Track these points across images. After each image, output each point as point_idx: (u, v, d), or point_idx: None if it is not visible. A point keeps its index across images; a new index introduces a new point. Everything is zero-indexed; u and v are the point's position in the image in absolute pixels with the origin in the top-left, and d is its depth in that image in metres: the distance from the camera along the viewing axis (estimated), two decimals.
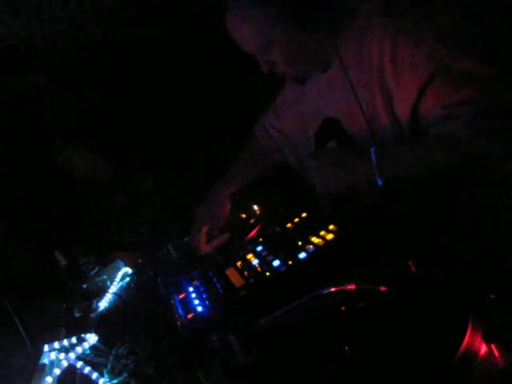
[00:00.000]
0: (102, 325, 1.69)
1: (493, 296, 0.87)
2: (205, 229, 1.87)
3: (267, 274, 1.34)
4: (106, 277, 2.15)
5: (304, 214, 1.60)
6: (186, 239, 1.99)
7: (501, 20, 1.69)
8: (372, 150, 1.40)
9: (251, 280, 1.34)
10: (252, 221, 1.91)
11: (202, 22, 3.03)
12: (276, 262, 1.36)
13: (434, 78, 1.35)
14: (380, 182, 1.38)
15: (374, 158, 1.38)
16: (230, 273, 1.46)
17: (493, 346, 0.78)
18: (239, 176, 2.06)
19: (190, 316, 1.32)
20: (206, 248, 1.83)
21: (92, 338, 1.53)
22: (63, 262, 2.22)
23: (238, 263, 1.48)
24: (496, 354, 0.77)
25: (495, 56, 1.36)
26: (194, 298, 1.41)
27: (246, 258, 1.50)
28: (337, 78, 1.62)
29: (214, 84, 3.15)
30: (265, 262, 1.40)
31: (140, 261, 2.20)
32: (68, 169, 2.64)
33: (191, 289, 1.49)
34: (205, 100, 3.15)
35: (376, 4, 1.54)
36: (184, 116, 3.07)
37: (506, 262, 0.96)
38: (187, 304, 1.40)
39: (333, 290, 1.10)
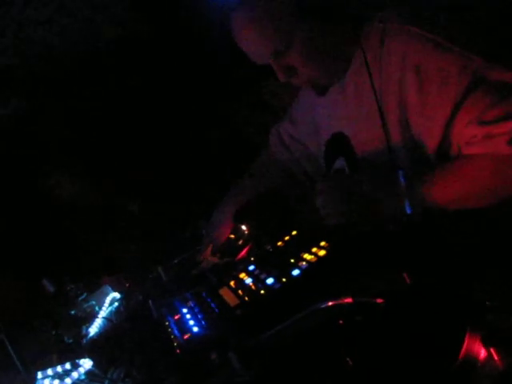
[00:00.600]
0: (94, 350, 1.68)
1: (488, 303, 0.89)
2: (210, 247, 1.91)
3: (262, 291, 1.35)
4: (94, 302, 2.14)
5: (294, 232, 1.62)
6: (175, 261, 2.00)
7: None
8: (400, 172, 1.28)
9: (246, 298, 1.35)
10: (241, 242, 1.93)
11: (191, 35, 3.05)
12: (270, 280, 1.37)
13: (469, 93, 1.23)
14: (408, 211, 1.26)
15: (402, 180, 1.27)
16: (224, 292, 1.46)
17: (492, 350, 0.80)
18: (247, 190, 2.02)
19: (186, 337, 1.33)
20: (213, 259, 1.86)
21: (86, 363, 1.52)
22: (51, 289, 2.20)
23: (231, 283, 1.49)
24: (495, 357, 0.80)
25: None
26: (189, 319, 1.41)
27: (238, 277, 1.51)
28: (350, 89, 1.51)
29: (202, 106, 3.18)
30: (258, 281, 1.41)
31: (128, 285, 2.19)
32: (55, 195, 2.63)
33: (185, 310, 1.49)
34: (194, 123, 3.17)
35: (398, 11, 1.43)
36: (172, 141, 3.09)
37: (498, 269, 0.99)
38: (182, 325, 1.40)
39: (330, 303, 1.11)
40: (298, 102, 1.90)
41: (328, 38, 1.41)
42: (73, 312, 2.07)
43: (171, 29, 2.95)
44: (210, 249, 1.90)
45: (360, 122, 1.50)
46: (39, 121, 2.92)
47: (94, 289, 2.21)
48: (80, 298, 2.15)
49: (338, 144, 1.62)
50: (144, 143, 3.01)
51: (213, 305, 1.43)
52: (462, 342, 0.82)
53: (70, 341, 1.84)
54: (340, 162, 1.62)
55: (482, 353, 0.82)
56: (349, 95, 1.52)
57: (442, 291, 1.00)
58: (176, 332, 1.38)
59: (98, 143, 2.90)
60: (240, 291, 1.41)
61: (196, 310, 1.46)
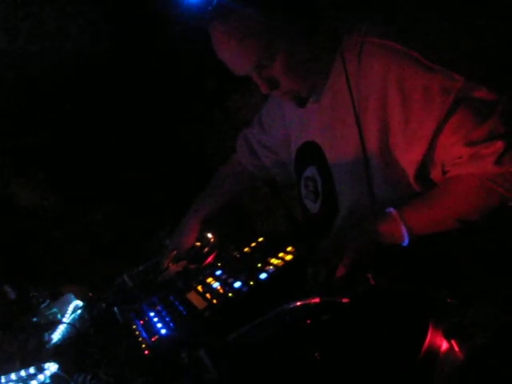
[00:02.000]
0: (59, 354, 1.67)
1: (449, 300, 0.94)
2: (173, 253, 1.92)
3: (230, 294, 1.37)
4: (56, 310, 2.12)
5: (261, 239, 1.65)
6: (140, 268, 2.01)
7: None
8: (390, 210, 1.30)
9: (214, 301, 1.38)
10: (206, 249, 1.95)
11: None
12: (237, 284, 1.40)
13: (453, 112, 1.24)
14: (406, 242, 1.29)
15: (393, 211, 1.29)
16: (192, 296, 1.49)
17: (453, 342, 0.85)
18: (213, 199, 2.05)
19: (154, 338, 1.34)
20: (173, 267, 1.87)
21: (52, 367, 1.52)
22: (12, 295, 2.18)
23: (199, 287, 1.52)
24: (456, 349, 0.85)
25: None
26: (157, 322, 1.43)
27: (206, 281, 1.53)
28: (327, 101, 1.52)
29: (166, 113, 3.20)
30: (226, 284, 1.44)
31: (90, 294, 2.18)
32: (15, 203, 2.61)
33: (152, 313, 1.50)
34: (158, 136, 3.19)
35: (378, 24, 1.43)
36: (137, 152, 3.10)
37: (460, 268, 1.05)
38: (150, 327, 1.42)
39: (298, 304, 1.15)
40: (269, 110, 1.90)
41: (309, 51, 1.41)
42: (35, 319, 2.05)
43: (142, 37, 2.97)
44: (172, 256, 1.91)
45: (335, 133, 1.50)
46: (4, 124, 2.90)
47: (57, 296, 2.20)
48: (42, 306, 2.13)
49: (310, 153, 1.63)
50: (110, 154, 3.01)
51: (180, 308, 1.45)
52: (425, 335, 0.87)
53: (33, 347, 1.83)
54: (310, 171, 1.64)
55: (444, 345, 0.87)
56: (325, 107, 1.52)
57: (405, 290, 1.05)
58: (144, 334, 1.39)
59: (62, 152, 2.89)
60: (208, 295, 1.43)
61: (164, 314, 1.47)
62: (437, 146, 1.29)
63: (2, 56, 2.93)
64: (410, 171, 1.36)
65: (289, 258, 1.41)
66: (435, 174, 1.36)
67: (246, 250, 1.63)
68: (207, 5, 1.40)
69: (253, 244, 1.64)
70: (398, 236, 1.28)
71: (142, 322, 1.48)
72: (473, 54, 1.48)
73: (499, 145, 1.20)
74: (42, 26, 2.93)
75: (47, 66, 2.98)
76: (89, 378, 1.40)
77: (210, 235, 2.00)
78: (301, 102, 1.55)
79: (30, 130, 2.91)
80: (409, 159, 1.35)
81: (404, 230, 1.27)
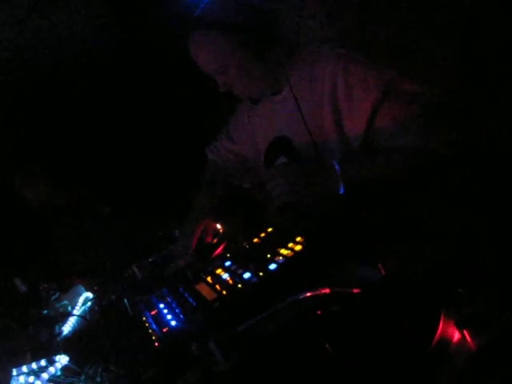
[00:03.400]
0: (69, 346, 1.67)
1: (460, 290, 0.93)
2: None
3: (239, 285, 1.37)
4: (67, 302, 2.13)
5: (270, 229, 1.64)
6: (150, 260, 2.01)
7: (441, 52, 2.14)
8: (334, 162, 1.58)
9: (224, 292, 1.37)
10: (215, 240, 1.94)
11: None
12: (247, 275, 1.39)
13: (385, 98, 1.58)
14: (342, 191, 1.55)
15: (337, 168, 1.56)
16: (201, 287, 1.48)
17: (465, 332, 0.84)
18: (205, 207, 2.10)
19: (164, 330, 1.34)
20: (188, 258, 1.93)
21: (63, 359, 1.52)
22: (23, 288, 2.18)
23: (208, 278, 1.51)
24: (468, 339, 0.84)
25: (434, 79, 1.70)
26: (167, 314, 1.42)
27: (215, 273, 1.53)
28: (288, 100, 1.78)
29: (165, 110, 3.19)
30: (235, 275, 1.43)
31: (96, 288, 2.18)
32: (23, 197, 2.61)
33: (162, 305, 1.50)
34: (157, 126, 3.19)
35: (330, 42, 1.83)
36: (145, 143, 3.10)
37: (471, 258, 1.04)
38: (160, 319, 1.41)
39: (308, 294, 1.14)
40: (237, 121, 2.17)
41: (258, 67, 1.74)
42: (45, 312, 2.06)
43: (142, 34, 2.97)
44: (186, 247, 1.91)
45: (300, 127, 1.72)
46: (9, 121, 2.90)
47: (67, 288, 2.21)
48: (52, 298, 2.14)
49: (279, 145, 1.91)
50: (118, 146, 3.01)
51: (190, 299, 1.44)
52: (437, 325, 0.86)
53: (44, 339, 1.83)
54: (281, 160, 1.90)
55: (456, 335, 0.86)
56: (288, 106, 1.80)
57: (416, 281, 1.04)
58: (154, 326, 1.39)
59: (70, 145, 2.90)
60: (217, 286, 1.42)
61: (173, 305, 1.47)
62: (373, 124, 1.61)
63: (9, 54, 2.93)
64: (356, 144, 1.66)
65: (298, 248, 1.40)
66: (374, 145, 1.65)
67: (256, 240, 1.62)
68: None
69: (262, 234, 1.63)
70: (332, 185, 1.57)
71: (151, 313, 1.48)
72: (403, 51, 2.03)
73: (420, 122, 1.53)
74: (52, 26, 2.93)
75: (54, 64, 2.99)
76: (99, 369, 1.41)
77: (218, 226, 2.00)
78: (253, 101, 1.92)
79: (35, 128, 2.92)
80: (354, 133, 1.66)
81: (340, 182, 1.56)
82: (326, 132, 1.71)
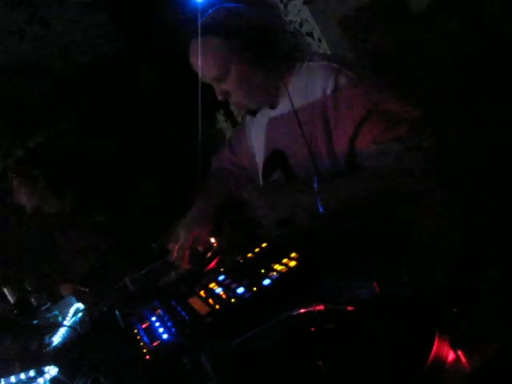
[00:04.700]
0: (59, 358, 1.66)
1: (455, 310, 0.93)
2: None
3: (232, 300, 1.36)
4: (57, 312, 2.12)
5: (264, 245, 1.64)
6: (142, 272, 2.00)
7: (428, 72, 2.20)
8: (314, 179, 1.58)
9: (217, 307, 1.36)
10: (209, 254, 1.94)
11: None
12: (240, 289, 1.38)
13: (368, 117, 1.57)
14: (321, 209, 1.54)
15: (316, 186, 1.56)
16: (194, 301, 1.47)
17: (460, 352, 0.84)
18: (201, 217, 2.07)
19: (156, 343, 1.33)
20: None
21: (52, 370, 1.51)
22: (13, 297, 2.17)
23: (201, 292, 1.50)
24: (463, 359, 0.84)
25: (419, 100, 1.61)
26: (159, 327, 1.42)
27: (208, 287, 1.52)
28: (284, 114, 1.82)
29: (160, 122, 3.20)
30: (229, 290, 1.42)
31: (87, 290, 2.16)
32: (16, 204, 2.60)
33: (154, 318, 1.49)
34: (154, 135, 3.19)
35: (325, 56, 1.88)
36: (140, 155, 3.10)
37: (466, 277, 1.04)
38: (152, 332, 1.40)
39: (302, 311, 1.14)
40: (237, 135, 2.21)
41: (258, 74, 1.75)
42: (35, 322, 2.05)
43: (143, 45, 2.98)
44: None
45: (295, 141, 1.74)
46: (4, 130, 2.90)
47: (58, 299, 2.19)
48: (43, 308, 2.13)
49: (274, 159, 1.91)
50: (114, 156, 3.01)
51: (183, 313, 1.43)
52: (432, 345, 0.86)
53: (33, 349, 1.82)
54: (276, 175, 1.91)
55: (451, 355, 0.85)
56: (284, 120, 1.82)
57: (411, 299, 1.04)
58: (145, 339, 1.38)
59: (67, 153, 2.89)
60: (210, 300, 1.42)
61: (165, 318, 1.46)
62: (356, 143, 1.61)
63: (7, 59, 2.94)
64: (343, 161, 1.66)
65: (293, 264, 1.40)
66: (356, 163, 1.65)
67: (250, 255, 1.62)
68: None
69: (256, 249, 1.63)
70: (313, 203, 1.55)
71: (143, 326, 1.47)
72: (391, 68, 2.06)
73: (398, 146, 1.51)
74: (49, 30, 2.94)
75: (52, 69, 2.99)
76: (89, 382, 1.39)
77: (212, 240, 1.99)
78: (250, 112, 1.94)
79: (33, 133, 2.91)
80: (340, 149, 1.66)
81: (318, 201, 1.54)
82: (319, 149, 1.71)
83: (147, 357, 1.29)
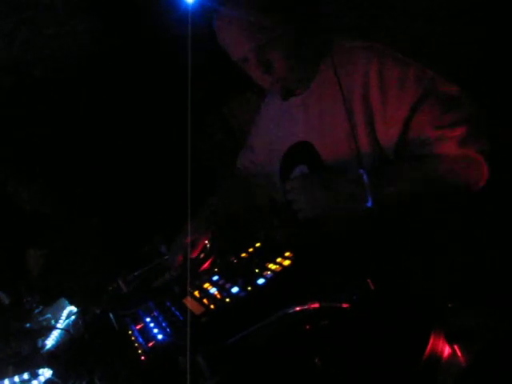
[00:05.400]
0: (53, 360, 1.65)
1: (450, 305, 0.94)
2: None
3: (227, 300, 1.36)
4: (50, 315, 2.10)
5: (258, 244, 1.64)
6: (136, 274, 1.99)
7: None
8: (362, 171, 1.42)
9: (211, 307, 1.36)
10: (203, 255, 1.93)
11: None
12: (235, 289, 1.38)
13: (424, 100, 1.42)
14: (370, 204, 1.41)
15: (365, 178, 1.41)
16: (188, 302, 1.47)
17: (455, 347, 0.84)
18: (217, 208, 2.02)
19: (151, 344, 1.33)
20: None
21: (46, 372, 1.50)
22: (6, 301, 2.16)
23: (196, 293, 1.50)
24: (459, 354, 0.84)
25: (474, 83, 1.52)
26: (153, 327, 1.42)
27: (203, 287, 1.52)
28: (309, 103, 1.67)
29: (155, 124, 3.20)
30: (223, 290, 1.42)
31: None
32: (16, 197, 2.60)
33: (149, 319, 1.49)
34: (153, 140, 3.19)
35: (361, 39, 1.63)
36: (133, 157, 3.09)
37: (460, 274, 1.04)
38: (147, 333, 1.40)
39: (297, 309, 1.14)
40: (257, 126, 2.04)
41: (303, 45, 1.57)
42: (28, 325, 2.03)
43: (135, 45, 2.97)
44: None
45: (324, 126, 1.62)
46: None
47: (51, 302, 2.18)
48: (36, 311, 2.11)
49: (298, 153, 1.74)
50: (105, 159, 3.00)
51: (177, 313, 1.43)
52: (428, 340, 0.86)
53: (27, 352, 1.81)
54: (300, 169, 1.74)
55: (446, 350, 0.86)
56: (311, 107, 1.67)
57: (406, 295, 1.04)
58: (140, 340, 1.37)
59: (60, 157, 2.89)
60: (205, 300, 1.41)
61: (160, 319, 1.46)
62: (409, 129, 1.46)
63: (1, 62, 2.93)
64: (390, 151, 1.51)
65: (286, 263, 1.40)
66: (408, 153, 1.50)
67: (243, 255, 1.62)
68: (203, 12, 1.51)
69: (250, 249, 1.63)
70: (359, 198, 1.42)
71: (137, 327, 1.47)
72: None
73: (462, 129, 1.39)
74: (39, 33, 2.93)
75: (44, 71, 2.98)
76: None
77: (206, 241, 1.98)
78: (286, 94, 1.68)
79: (29, 134, 2.90)
80: (388, 140, 1.51)
81: (368, 193, 1.41)
82: (357, 133, 1.53)
83: (142, 357, 1.29)
